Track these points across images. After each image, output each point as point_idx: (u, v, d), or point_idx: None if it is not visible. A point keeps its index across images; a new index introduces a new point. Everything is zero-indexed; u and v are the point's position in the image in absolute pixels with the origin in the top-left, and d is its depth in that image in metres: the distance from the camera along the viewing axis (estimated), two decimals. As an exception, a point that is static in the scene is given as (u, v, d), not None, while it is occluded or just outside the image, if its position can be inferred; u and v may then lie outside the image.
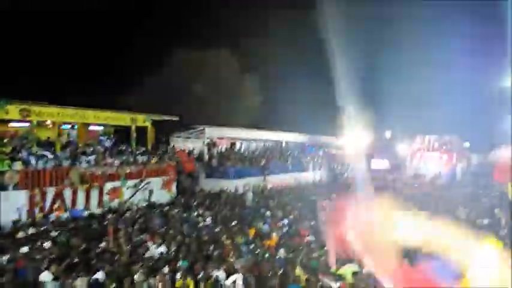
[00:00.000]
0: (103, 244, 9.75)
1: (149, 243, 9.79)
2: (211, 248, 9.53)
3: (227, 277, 7.56)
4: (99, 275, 7.52)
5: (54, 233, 10.87)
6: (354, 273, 7.54)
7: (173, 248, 9.34)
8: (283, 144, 31.13)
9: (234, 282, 7.30)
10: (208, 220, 13.07)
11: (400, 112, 38.44)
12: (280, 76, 31.80)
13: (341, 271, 7.68)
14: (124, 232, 10.36)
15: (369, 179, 26.30)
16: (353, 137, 33.66)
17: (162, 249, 9.41)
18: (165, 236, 10.38)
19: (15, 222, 12.14)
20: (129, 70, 29.42)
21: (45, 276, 7.44)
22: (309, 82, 32.86)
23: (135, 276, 7.44)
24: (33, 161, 14.16)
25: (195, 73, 31.27)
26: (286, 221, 13.05)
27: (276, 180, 24.08)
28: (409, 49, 38.34)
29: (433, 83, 38.71)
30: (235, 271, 7.72)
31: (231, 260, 8.51)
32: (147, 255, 9.08)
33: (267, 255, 9.16)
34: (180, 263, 8.22)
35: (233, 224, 12.41)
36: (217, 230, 11.62)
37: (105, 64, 29.25)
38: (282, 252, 9.39)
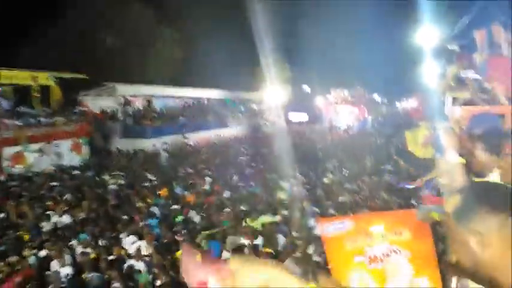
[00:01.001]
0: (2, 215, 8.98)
1: (51, 213, 9.05)
2: (121, 211, 9.13)
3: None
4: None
5: None
6: (265, 224, 7.85)
7: (80, 216, 8.83)
8: (205, 101, 30.72)
9: (139, 249, 6.89)
10: (121, 182, 12.48)
11: (316, 66, 39.84)
12: (198, 30, 30.66)
13: (252, 222, 7.94)
14: (26, 201, 9.57)
15: (287, 132, 27.39)
16: (272, 91, 34.34)
17: (67, 219, 8.80)
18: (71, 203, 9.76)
19: None
20: (30, 22, 26.29)
21: None
22: (228, 37, 32.27)
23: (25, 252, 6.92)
24: None
25: (106, 25, 28.92)
26: (208, 179, 12.81)
27: (196, 137, 23.87)
28: (325, 4, 39.22)
29: (348, 38, 40.30)
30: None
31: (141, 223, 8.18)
32: (48, 226, 8.38)
33: (178, 217, 8.79)
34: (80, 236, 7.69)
35: (145, 185, 11.97)
36: (128, 192, 11.17)
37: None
38: (194, 214, 9.14)
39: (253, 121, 33.18)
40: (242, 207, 9.40)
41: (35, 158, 15.40)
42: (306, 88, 48.50)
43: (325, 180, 12.43)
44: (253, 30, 28.16)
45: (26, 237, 7.73)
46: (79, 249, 6.98)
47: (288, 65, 43.33)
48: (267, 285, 0.84)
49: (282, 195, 10.58)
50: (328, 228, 3.40)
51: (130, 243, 7.24)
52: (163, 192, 11.01)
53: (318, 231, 6.88)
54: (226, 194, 10.94)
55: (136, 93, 24.26)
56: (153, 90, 25.80)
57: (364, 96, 33.81)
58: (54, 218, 8.71)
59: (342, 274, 3.13)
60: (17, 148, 14.85)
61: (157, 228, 8.05)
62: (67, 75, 18.97)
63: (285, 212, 8.70)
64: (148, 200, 10.11)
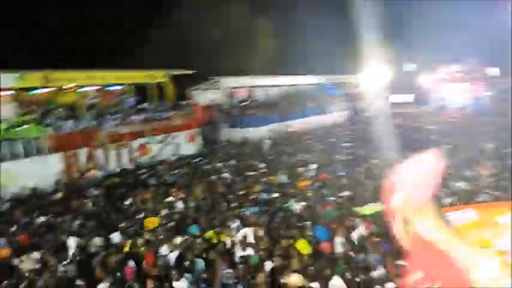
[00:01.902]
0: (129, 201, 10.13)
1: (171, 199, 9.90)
2: (228, 199, 9.62)
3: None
4: (115, 235, 7.70)
5: (92, 192, 11.53)
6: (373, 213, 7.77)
7: (192, 204, 9.43)
8: (302, 88, 30.80)
9: (245, 236, 6.99)
10: (227, 170, 13.22)
11: (421, 42, 36.98)
12: (293, 17, 30.74)
13: (360, 210, 7.93)
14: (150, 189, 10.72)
15: (390, 115, 26.10)
16: (373, 73, 32.93)
17: (181, 204, 9.51)
18: (185, 191, 10.56)
19: (56, 183, 12.96)
20: (142, 26, 29.13)
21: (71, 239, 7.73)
22: (324, 20, 31.70)
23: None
24: (62, 125, 14.76)
25: (208, 23, 30.61)
26: (313, 166, 12.90)
27: (297, 124, 24.19)
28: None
29: (457, 8, 36.58)
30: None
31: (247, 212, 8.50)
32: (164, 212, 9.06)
33: (288, 204, 8.98)
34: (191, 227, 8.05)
35: (252, 173, 12.45)
36: (237, 180, 11.76)
37: (119, 24, 28.98)
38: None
39: (354, 105, 32.33)
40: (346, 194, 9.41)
41: (157, 149, 17.24)
42: (411, 66, 45.49)
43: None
44: (351, 7, 27.14)
45: (154, 220, 8.57)
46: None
47: (390, 42, 40.89)
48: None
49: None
50: (451, 218, 3.32)
51: (237, 229, 7.47)
52: (271, 179, 11.42)
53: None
54: (329, 182, 10.97)
55: (240, 85, 25.38)
56: (255, 81, 26.71)
57: (479, 71, 30.40)
58: (176, 204, 9.54)
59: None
60: (142, 140, 16.77)
61: (263, 215, 8.24)
62: (178, 72, 20.60)
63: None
64: (257, 187, 10.54)
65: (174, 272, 5.65)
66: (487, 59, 31.49)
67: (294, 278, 5.44)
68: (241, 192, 10.26)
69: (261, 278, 5.59)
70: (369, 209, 8.00)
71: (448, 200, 8.14)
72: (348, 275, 5.46)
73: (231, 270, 5.91)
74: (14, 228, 8.51)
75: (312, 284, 5.31)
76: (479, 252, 1.02)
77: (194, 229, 7.64)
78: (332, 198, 9.00)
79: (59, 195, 11.32)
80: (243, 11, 32.69)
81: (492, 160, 11.43)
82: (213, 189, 10.67)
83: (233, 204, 9.13)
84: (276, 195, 9.81)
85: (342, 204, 8.59)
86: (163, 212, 8.94)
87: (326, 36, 32.27)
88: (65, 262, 6.51)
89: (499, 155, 12.32)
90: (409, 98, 41.59)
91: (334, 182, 10.75)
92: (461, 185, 9.36)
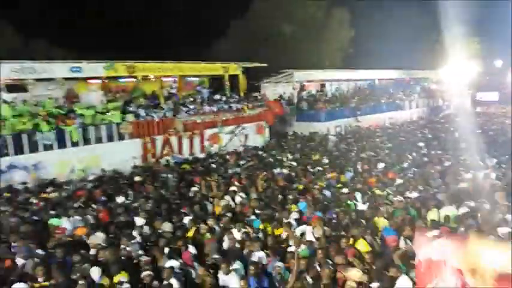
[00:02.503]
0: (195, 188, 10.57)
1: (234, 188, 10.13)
2: (287, 193, 9.59)
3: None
4: (185, 220, 8.05)
5: (165, 177, 12.30)
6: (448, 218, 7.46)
7: (253, 196, 9.55)
8: (376, 82, 29.81)
9: (303, 233, 6.96)
10: (290, 164, 13.26)
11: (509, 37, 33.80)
12: (371, 8, 29.75)
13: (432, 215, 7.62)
14: (215, 178, 11.04)
15: (472, 115, 24.38)
16: (455, 68, 30.87)
17: (242, 194, 9.68)
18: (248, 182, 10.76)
19: (134, 167, 14.04)
20: (218, 20, 30.07)
21: (138, 220, 8.20)
22: (405, 9, 30.27)
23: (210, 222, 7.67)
24: (142, 113, 15.88)
25: (282, 15, 30.72)
26: (381, 165, 12.53)
27: (369, 120, 23.55)
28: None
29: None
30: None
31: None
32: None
33: (348, 202, 8.79)
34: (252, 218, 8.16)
35: (314, 169, 12.33)
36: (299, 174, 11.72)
37: (195, 18, 30.31)
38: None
39: (432, 102, 30.62)
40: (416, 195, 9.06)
41: (228, 139, 17.88)
42: (498, 63, 41.88)
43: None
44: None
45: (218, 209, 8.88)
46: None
47: (477, 37, 38.01)
48: (506, 267, 0.99)
49: (464, 185, 9.76)
50: None
51: (296, 226, 7.45)
52: (333, 176, 11.19)
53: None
54: (398, 181, 10.55)
55: (311, 79, 25.23)
56: (326, 74, 26.38)
57: None
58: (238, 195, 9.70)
59: None
60: (214, 130, 17.48)
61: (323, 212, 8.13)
62: (250, 65, 21.06)
63: (471, 204, 8.01)
64: (320, 183, 10.43)
65: (224, 265, 5.83)
66: None
67: (353, 272, 5.45)
68: (301, 187, 10.21)
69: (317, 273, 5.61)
70: (444, 213, 7.65)
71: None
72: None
73: (281, 264, 5.98)
74: (94, 206, 9.32)
75: (373, 285, 5.27)
76: None
77: (256, 223, 7.77)
78: (399, 198, 8.69)
79: (136, 178, 12.22)
80: (319, 3, 32.37)
81: None
82: (274, 182, 10.76)
83: (291, 198, 9.13)
84: (339, 191, 9.68)
85: (408, 205, 8.30)
86: (224, 202, 9.17)
87: (406, 28, 30.83)
88: (132, 241, 6.98)
89: None
90: (494, 96, 38.39)
91: (404, 181, 10.38)
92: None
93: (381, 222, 7.52)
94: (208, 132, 17.33)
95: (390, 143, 16.83)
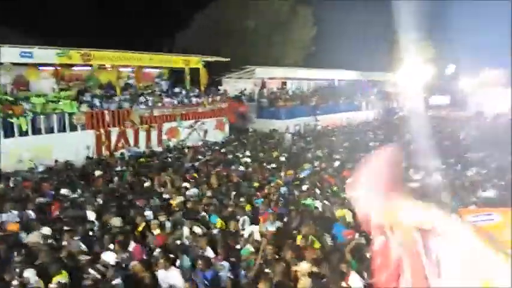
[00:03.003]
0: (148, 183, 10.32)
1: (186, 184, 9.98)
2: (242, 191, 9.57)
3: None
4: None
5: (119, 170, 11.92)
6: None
7: (206, 191, 9.40)
8: (336, 83, 30.43)
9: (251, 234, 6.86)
10: (247, 161, 13.23)
11: (465, 43, 35.62)
12: (333, 9, 30.25)
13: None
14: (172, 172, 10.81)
15: (425, 117, 25.50)
16: (411, 72, 32.09)
17: (195, 190, 9.52)
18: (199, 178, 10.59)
19: (88, 158, 13.51)
20: (181, 12, 29.51)
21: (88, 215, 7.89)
22: (364, 13, 31.06)
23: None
24: (97, 103, 15.29)
25: (246, 11, 30.56)
26: (337, 163, 12.84)
27: (327, 120, 24.01)
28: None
29: (500, 9, 34.97)
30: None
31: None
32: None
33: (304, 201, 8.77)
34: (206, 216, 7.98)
35: (272, 166, 12.37)
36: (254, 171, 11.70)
37: (157, 8, 29.54)
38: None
39: (388, 104, 31.68)
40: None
41: (186, 133, 17.60)
42: (451, 68, 44.00)
43: (468, 173, 11.44)
44: (392, 5, 26.44)
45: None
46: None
47: (432, 42, 39.69)
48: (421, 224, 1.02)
49: (412, 185, 10.15)
50: (471, 220, 3.31)
51: (245, 224, 7.40)
52: (289, 173, 11.21)
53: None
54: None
55: (272, 76, 25.34)
56: (288, 72, 26.57)
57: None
58: (188, 191, 9.50)
59: None
60: (173, 124, 17.15)
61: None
62: (212, 59, 20.79)
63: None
64: (277, 181, 10.42)
65: (162, 260, 5.67)
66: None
67: (304, 265, 5.52)
68: (256, 184, 10.17)
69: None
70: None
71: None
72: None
73: (225, 264, 5.90)
74: (42, 199, 8.84)
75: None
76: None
77: (213, 219, 7.65)
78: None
79: (88, 170, 11.76)
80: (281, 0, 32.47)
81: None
82: (229, 179, 10.66)
83: (246, 195, 9.07)
84: (296, 189, 9.77)
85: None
86: (178, 197, 8.96)
87: (365, 31, 31.67)
88: (76, 238, 6.64)
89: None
90: (445, 100, 40.39)
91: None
92: (489, 193, 9.13)
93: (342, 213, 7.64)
94: (166, 125, 16.98)
95: (346, 143, 17.24)
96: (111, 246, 6.35)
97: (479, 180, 10.26)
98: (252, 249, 6.29)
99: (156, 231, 7.04)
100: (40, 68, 15.79)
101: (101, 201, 8.73)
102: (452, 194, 8.64)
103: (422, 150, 14.49)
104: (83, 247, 6.42)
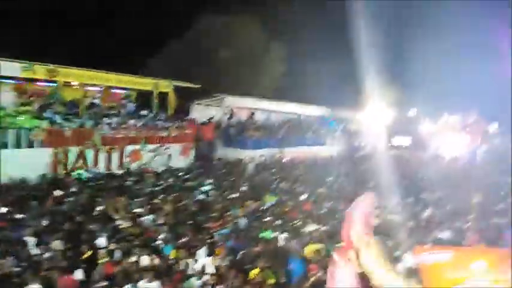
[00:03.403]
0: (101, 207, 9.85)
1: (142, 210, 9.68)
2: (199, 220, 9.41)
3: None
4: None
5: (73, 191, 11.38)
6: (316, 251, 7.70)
7: (161, 218, 9.17)
8: (303, 117, 31.04)
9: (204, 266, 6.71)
10: (208, 189, 13.00)
11: (426, 89, 37.61)
12: (304, 47, 31.31)
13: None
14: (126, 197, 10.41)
15: (386, 156, 26.34)
16: (375, 113, 33.33)
17: (150, 217, 9.25)
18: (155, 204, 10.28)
19: (41, 177, 12.86)
20: (153, 35, 29.54)
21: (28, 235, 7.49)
22: (332, 55, 32.29)
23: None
24: (58, 120, 14.77)
25: (221, 40, 31.08)
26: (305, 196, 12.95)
27: (293, 152, 24.24)
28: (435, 27, 37.22)
29: (464, 61, 37.42)
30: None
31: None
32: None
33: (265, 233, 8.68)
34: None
35: (234, 196, 12.28)
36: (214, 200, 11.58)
37: (129, 29, 29.43)
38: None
39: (352, 142, 32.51)
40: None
41: (149, 157, 17.20)
42: (413, 112, 46.07)
43: (426, 213, 11.75)
44: (360, 50, 27.89)
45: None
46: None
47: (395, 86, 41.68)
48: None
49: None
50: (426, 257, 3.41)
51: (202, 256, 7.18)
52: (247, 204, 11.06)
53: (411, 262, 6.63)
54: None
55: (242, 105, 25.52)
56: (257, 103, 26.84)
57: (479, 124, 30.79)
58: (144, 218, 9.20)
59: None
60: (136, 147, 16.74)
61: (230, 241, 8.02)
62: (183, 84, 20.77)
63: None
64: (237, 212, 10.28)
65: None
66: (487, 113, 31.99)
67: None
68: (214, 214, 9.96)
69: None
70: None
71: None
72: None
73: None
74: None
75: None
76: None
77: (167, 249, 7.38)
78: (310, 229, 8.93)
79: (40, 188, 11.20)
80: (255, 33, 33.31)
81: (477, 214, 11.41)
82: (185, 208, 10.38)
83: (203, 226, 8.87)
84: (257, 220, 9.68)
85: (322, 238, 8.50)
86: (128, 223, 8.62)
87: (334, 70, 32.81)
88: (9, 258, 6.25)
89: (485, 210, 12.34)
90: (407, 141, 42.00)
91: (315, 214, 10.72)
92: (444, 235, 9.36)
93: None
94: (129, 148, 16.56)
95: (309, 176, 17.42)
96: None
97: (435, 221, 10.53)
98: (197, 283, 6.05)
99: (104, 260, 6.63)
100: (1, 80, 15.22)
101: (45, 223, 8.19)
102: (409, 233, 8.82)
103: (383, 188, 14.91)
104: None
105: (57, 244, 6.98)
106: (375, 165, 21.72)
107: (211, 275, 6.25)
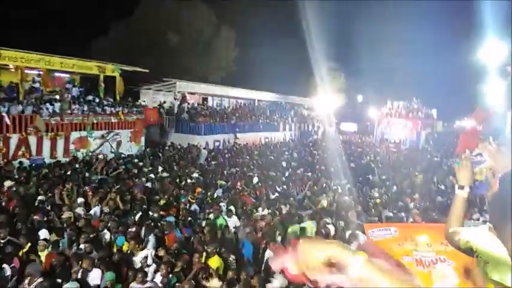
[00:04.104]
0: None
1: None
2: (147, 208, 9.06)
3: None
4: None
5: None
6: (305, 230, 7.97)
7: (106, 210, 8.74)
8: (256, 103, 31.19)
9: (146, 257, 6.46)
10: (158, 177, 12.63)
11: (372, 77, 39.20)
12: (255, 33, 31.32)
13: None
14: (71, 186, 9.72)
15: (336, 140, 27.24)
16: (324, 99, 34.20)
17: (97, 208, 8.79)
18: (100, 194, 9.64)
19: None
20: (101, 17, 28.21)
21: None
22: (285, 41, 32.60)
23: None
24: (-5, 106, 13.74)
25: (170, 24, 30.23)
26: (255, 180, 13.02)
27: (246, 138, 24.34)
28: (384, 17, 38.73)
29: (408, 51, 39.35)
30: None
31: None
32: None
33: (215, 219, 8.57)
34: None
35: (187, 182, 12.08)
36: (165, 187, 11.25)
37: (76, 11, 27.86)
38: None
39: (303, 127, 33.21)
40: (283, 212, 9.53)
41: (97, 144, 16.52)
42: (359, 98, 47.87)
43: (372, 193, 12.30)
44: (309, 37, 28.44)
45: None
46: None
47: (343, 74, 43.02)
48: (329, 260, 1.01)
49: (324, 203, 10.64)
50: (374, 233, 3.58)
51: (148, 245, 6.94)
52: (198, 191, 10.88)
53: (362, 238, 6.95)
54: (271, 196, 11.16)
55: (194, 91, 25.13)
56: (209, 88, 26.58)
57: (420, 110, 32.60)
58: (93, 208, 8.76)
59: None
60: (83, 133, 16.00)
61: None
62: (130, 68, 20.01)
63: (327, 220, 8.73)
64: (188, 198, 10.10)
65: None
66: (427, 100, 33.89)
67: (216, 283, 5.45)
68: (162, 202, 9.69)
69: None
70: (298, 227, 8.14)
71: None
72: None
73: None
74: None
75: None
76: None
77: (120, 241, 7.03)
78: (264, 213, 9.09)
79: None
80: (207, 17, 32.75)
81: (420, 193, 12.15)
82: (133, 195, 9.99)
83: (151, 215, 8.54)
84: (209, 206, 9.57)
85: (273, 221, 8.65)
86: (67, 214, 8.10)
87: (285, 57, 33.18)
88: None
89: (428, 189, 13.17)
90: (354, 127, 43.71)
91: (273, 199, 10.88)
92: (389, 214, 9.86)
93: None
94: (74, 134, 15.79)
95: (261, 161, 17.61)
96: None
97: (382, 202, 11.05)
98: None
99: (44, 253, 6.20)
100: None
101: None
102: (358, 213, 9.20)
103: (332, 171, 15.44)
104: None
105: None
106: (326, 149, 22.42)
107: (160, 263, 6.09)
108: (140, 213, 8.54)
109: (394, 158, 22.17)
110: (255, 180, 12.97)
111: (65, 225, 7.57)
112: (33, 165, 13.40)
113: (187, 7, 31.17)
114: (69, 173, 12.18)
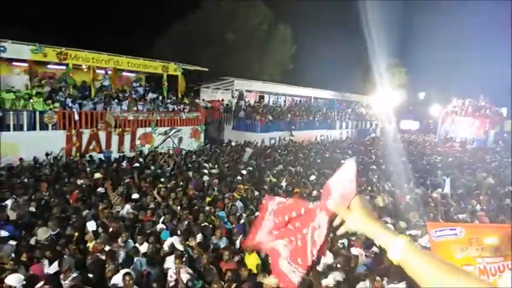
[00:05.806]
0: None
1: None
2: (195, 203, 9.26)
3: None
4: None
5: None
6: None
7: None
8: (312, 100, 30.95)
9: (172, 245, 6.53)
10: (210, 172, 12.86)
11: (436, 73, 37.27)
12: (312, 30, 31.03)
13: None
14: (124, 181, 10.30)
15: (395, 139, 26.27)
16: (384, 96, 33.11)
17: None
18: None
19: (54, 159, 13.07)
20: (162, 19, 29.40)
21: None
22: (342, 38, 31.97)
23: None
24: (70, 103, 14.90)
25: (227, 23, 30.82)
26: (313, 177, 13.01)
27: (302, 135, 24.28)
28: (446, 11, 36.65)
29: (474, 47, 36.99)
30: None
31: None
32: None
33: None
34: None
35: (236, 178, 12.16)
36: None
37: (139, 13, 29.31)
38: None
39: (361, 125, 32.44)
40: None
41: (160, 140, 17.36)
42: (421, 95, 45.77)
43: (434, 194, 11.78)
44: (368, 32, 27.59)
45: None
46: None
47: (405, 69, 41.26)
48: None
49: (380, 203, 10.32)
50: (437, 233, 3.42)
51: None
52: (242, 188, 10.88)
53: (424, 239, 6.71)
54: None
55: (251, 89, 25.48)
56: (266, 86, 26.80)
57: (488, 108, 30.50)
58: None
59: None
60: (147, 129, 16.91)
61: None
62: (191, 67, 20.72)
63: (387, 219, 8.50)
64: (235, 194, 10.15)
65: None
66: (496, 98, 31.68)
67: (273, 280, 5.47)
68: (208, 199, 9.82)
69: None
70: None
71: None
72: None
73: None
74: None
75: None
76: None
77: (165, 235, 7.17)
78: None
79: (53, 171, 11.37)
80: (264, 15, 32.96)
81: (487, 195, 11.46)
82: (185, 192, 10.16)
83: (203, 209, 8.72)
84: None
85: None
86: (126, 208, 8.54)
87: (342, 54, 32.52)
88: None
89: (496, 192, 12.37)
90: (415, 125, 41.87)
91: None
92: (460, 216, 9.38)
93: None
94: (140, 130, 16.72)
95: (318, 159, 17.46)
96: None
97: (444, 202, 10.56)
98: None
99: (92, 244, 6.46)
100: (13, 63, 15.33)
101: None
102: (419, 214, 8.87)
103: (392, 171, 14.96)
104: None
105: (41, 232, 6.47)
106: (384, 148, 21.76)
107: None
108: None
109: (458, 158, 21.01)
110: (312, 177, 12.92)
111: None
112: (102, 158, 14.37)
113: (244, 6, 31.56)
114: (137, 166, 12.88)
